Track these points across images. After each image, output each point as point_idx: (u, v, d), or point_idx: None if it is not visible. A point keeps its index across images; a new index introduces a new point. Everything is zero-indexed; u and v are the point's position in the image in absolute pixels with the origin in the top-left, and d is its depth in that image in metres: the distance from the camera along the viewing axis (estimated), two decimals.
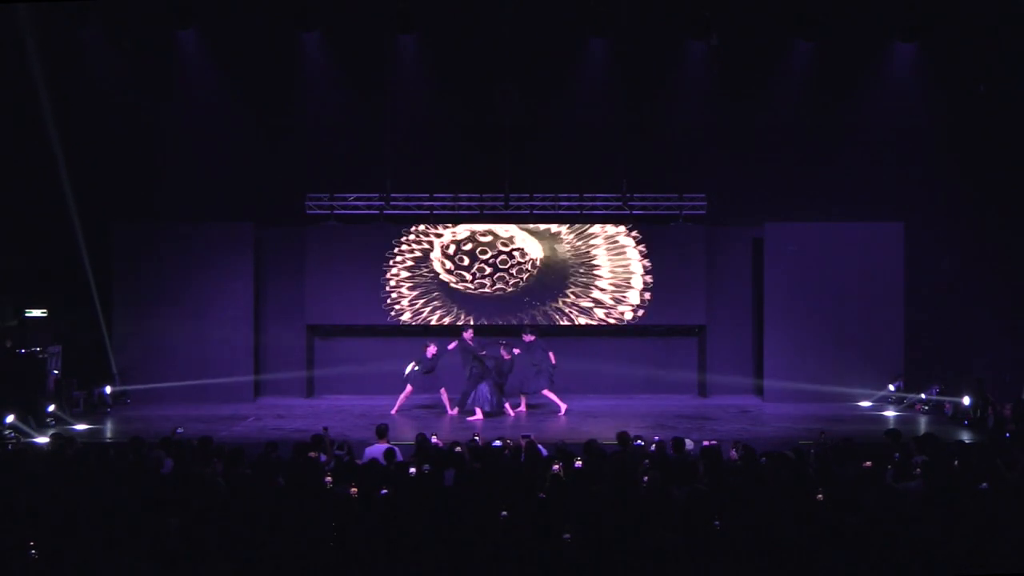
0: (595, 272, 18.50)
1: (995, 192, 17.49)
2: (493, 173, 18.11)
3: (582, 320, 18.46)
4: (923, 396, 16.91)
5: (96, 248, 17.59)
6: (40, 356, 16.24)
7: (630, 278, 18.48)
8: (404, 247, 18.42)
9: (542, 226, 18.49)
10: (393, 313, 18.39)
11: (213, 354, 17.91)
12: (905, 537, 7.64)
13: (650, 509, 8.04)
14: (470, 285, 18.45)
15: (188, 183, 18.02)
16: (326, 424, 12.66)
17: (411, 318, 18.37)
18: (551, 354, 16.45)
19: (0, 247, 17.00)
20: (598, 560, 7.31)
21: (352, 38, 17.75)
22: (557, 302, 18.47)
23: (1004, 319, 17.45)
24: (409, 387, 16.56)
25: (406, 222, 18.50)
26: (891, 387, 17.62)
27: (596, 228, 18.48)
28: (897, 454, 9.95)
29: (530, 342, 16.62)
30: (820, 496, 8.43)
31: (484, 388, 16.28)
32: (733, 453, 10.37)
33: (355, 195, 18.32)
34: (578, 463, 9.55)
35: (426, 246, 18.43)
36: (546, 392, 16.51)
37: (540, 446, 10.51)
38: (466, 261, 18.46)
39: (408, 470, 9.33)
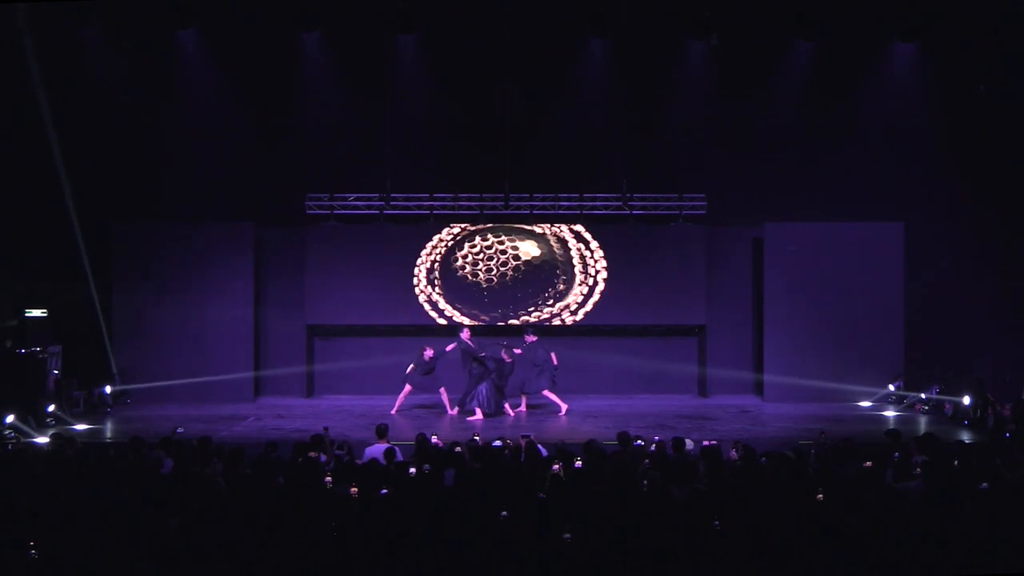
0: (572, 271, 18.54)
1: (995, 192, 17.48)
2: (493, 173, 18.11)
3: (569, 320, 18.49)
4: (923, 396, 16.91)
5: (96, 248, 17.59)
6: (40, 356, 16.23)
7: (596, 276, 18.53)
8: (428, 246, 18.51)
9: (526, 226, 18.54)
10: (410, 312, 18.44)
11: (213, 354, 17.92)
12: (905, 537, 7.64)
13: (650, 509, 8.04)
14: (471, 285, 18.48)
15: (188, 183, 18.02)
16: (326, 424, 12.65)
17: (438, 316, 18.41)
18: (553, 355, 16.46)
19: (0, 247, 16.99)
20: (598, 560, 7.32)
21: (352, 38, 17.75)
22: (552, 303, 18.49)
23: (1004, 319, 17.45)
24: (408, 386, 16.57)
25: (407, 222, 18.53)
26: (891, 387, 17.62)
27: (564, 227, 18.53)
28: (897, 454, 9.96)
29: (532, 342, 16.62)
30: (820, 496, 8.43)
31: (483, 389, 16.28)
32: (733, 453, 10.37)
33: (355, 195, 18.33)
34: (578, 463, 9.55)
35: (444, 247, 18.50)
36: (546, 392, 16.51)
37: (540, 446, 10.51)
38: (471, 260, 18.49)
39: (408, 470, 9.32)
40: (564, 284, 18.56)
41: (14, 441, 13.39)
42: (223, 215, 18.23)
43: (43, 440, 13.03)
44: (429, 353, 16.46)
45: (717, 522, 7.92)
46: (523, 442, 10.43)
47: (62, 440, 10.87)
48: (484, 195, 18.32)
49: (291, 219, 18.41)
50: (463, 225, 18.51)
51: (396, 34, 17.57)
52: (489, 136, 18.00)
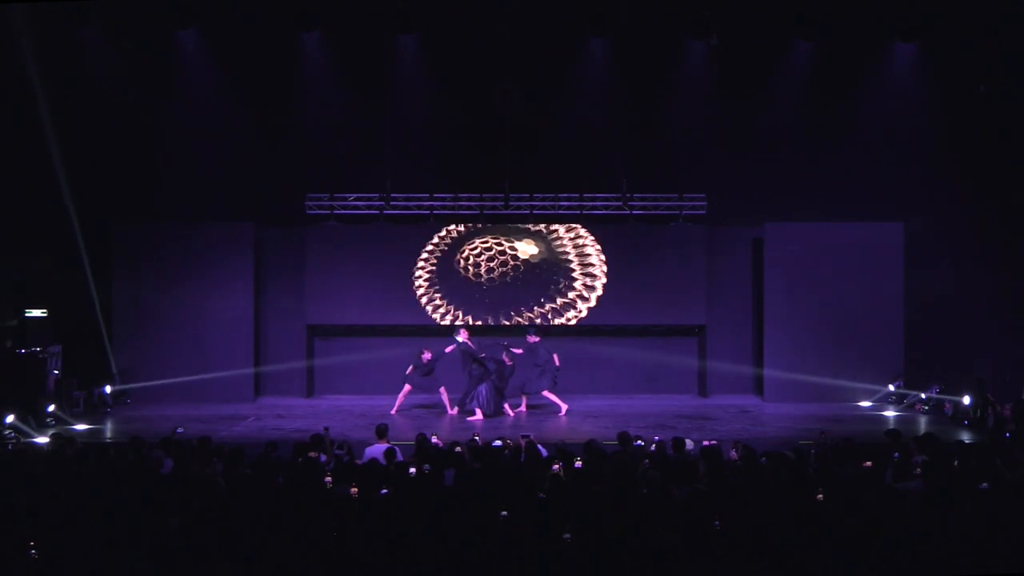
0: (572, 271, 18.54)
1: (995, 192, 17.47)
2: (493, 173, 18.11)
3: (558, 320, 18.47)
4: (923, 396, 16.91)
5: (96, 248, 17.59)
6: (40, 356, 16.22)
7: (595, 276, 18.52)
8: (430, 246, 18.49)
9: (532, 226, 18.54)
10: (414, 311, 18.43)
11: (213, 354, 17.91)
12: (905, 537, 7.64)
13: (650, 509, 8.04)
14: (471, 284, 18.48)
15: (188, 183, 18.01)
16: (326, 424, 12.62)
17: (439, 316, 18.40)
18: (555, 355, 16.46)
19: (0, 247, 16.99)
20: (598, 560, 7.32)
21: (352, 38, 17.75)
22: (552, 303, 18.50)
23: (1004, 319, 17.43)
24: (408, 386, 16.57)
25: (407, 222, 18.53)
26: (891, 387, 17.62)
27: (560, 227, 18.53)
28: (897, 454, 9.96)
29: (534, 343, 16.62)
30: (820, 496, 8.43)
31: (483, 390, 16.27)
32: (733, 453, 10.37)
33: (355, 195, 18.33)
34: (578, 463, 9.55)
35: (444, 247, 18.50)
36: (546, 393, 16.51)
37: (540, 446, 10.51)
38: (471, 261, 18.49)
39: (408, 470, 9.32)
40: (564, 284, 18.55)
41: (14, 441, 13.39)
42: (223, 215, 18.22)
43: (43, 440, 13.03)
44: (427, 356, 16.45)
45: (717, 522, 7.92)
46: (523, 442, 10.43)
47: (62, 440, 10.87)
48: (484, 195, 18.32)
49: (291, 219, 18.41)
50: (463, 225, 18.51)
51: (396, 34, 17.56)
52: (489, 136, 17.99)
